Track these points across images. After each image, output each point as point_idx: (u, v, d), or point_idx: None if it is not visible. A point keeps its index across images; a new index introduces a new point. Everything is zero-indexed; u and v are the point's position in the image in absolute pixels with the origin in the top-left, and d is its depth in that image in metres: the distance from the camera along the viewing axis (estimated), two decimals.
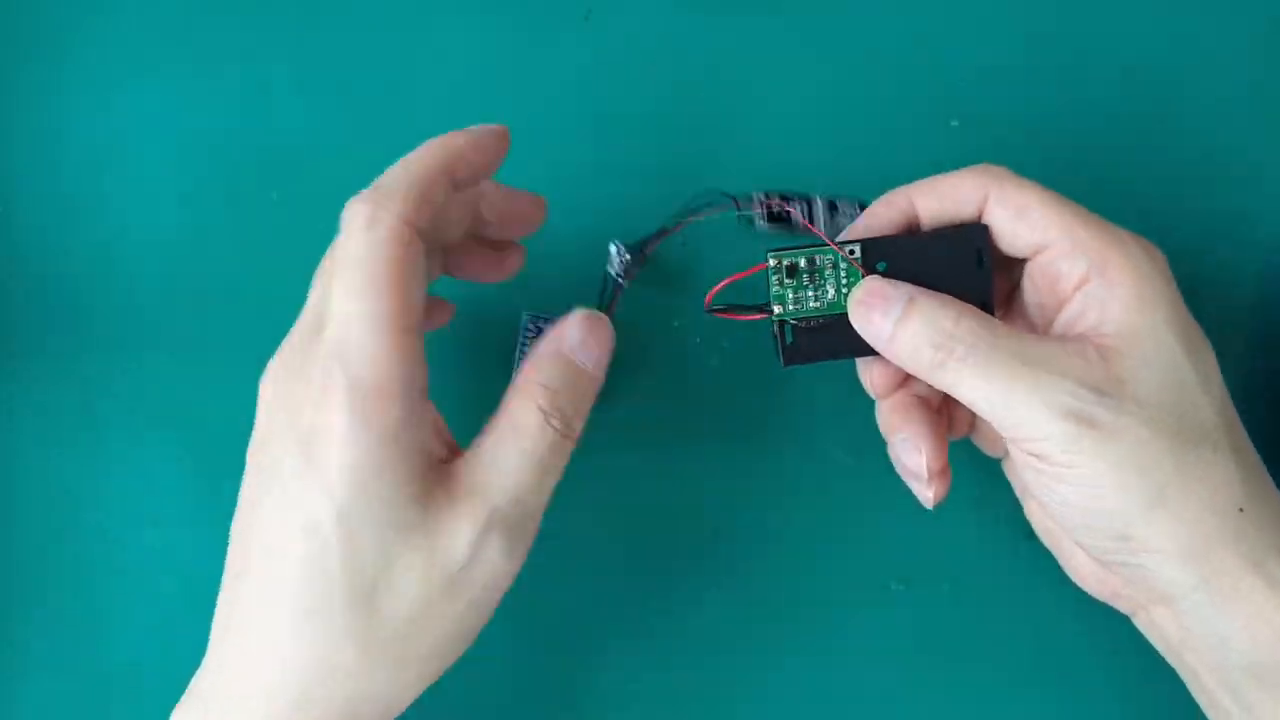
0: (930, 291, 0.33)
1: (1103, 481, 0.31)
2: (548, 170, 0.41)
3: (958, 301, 0.32)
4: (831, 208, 0.40)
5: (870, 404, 0.37)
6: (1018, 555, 0.40)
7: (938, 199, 0.34)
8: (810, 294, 0.34)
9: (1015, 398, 0.31)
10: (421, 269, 0.31)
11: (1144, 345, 0.31)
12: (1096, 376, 0.31)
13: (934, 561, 0.40)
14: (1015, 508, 0.39)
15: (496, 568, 0.31)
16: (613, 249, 0.39)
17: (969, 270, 0.34)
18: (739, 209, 0.40)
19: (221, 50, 0.42)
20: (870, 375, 0.36)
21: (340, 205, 0.41)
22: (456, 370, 0.41)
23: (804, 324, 0.34)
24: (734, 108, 0.42)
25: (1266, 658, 0.31)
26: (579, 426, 0.33)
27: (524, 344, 0.39)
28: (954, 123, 0.42)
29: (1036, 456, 0.32)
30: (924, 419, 0.35)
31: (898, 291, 0.33)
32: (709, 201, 0.39)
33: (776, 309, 0.34)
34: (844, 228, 0.35)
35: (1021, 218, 0.33)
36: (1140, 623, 0.35)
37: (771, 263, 0.34)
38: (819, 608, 0.41)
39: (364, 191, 0.31)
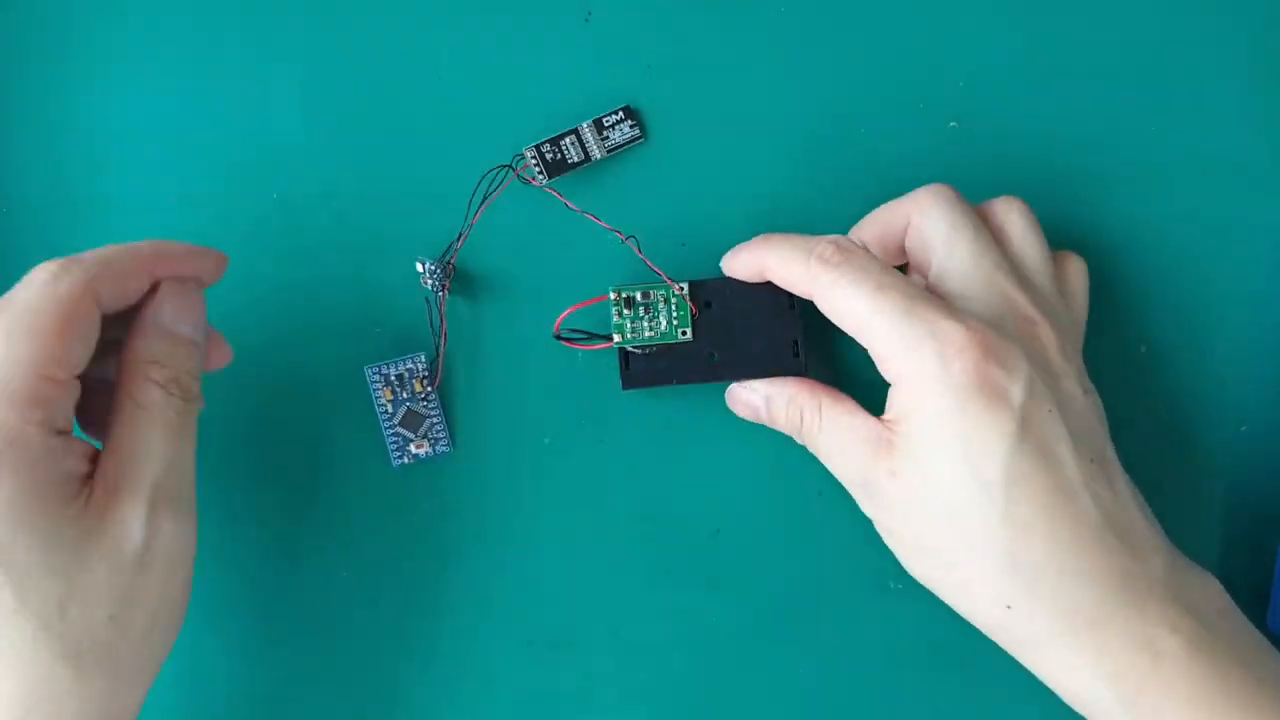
0: (774, 389, 0.39)
1: (902, 560, 0.37)
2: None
3: (793, 396, 0.38)
4: (598, 126, 0.41)
5: (870, 404, 0.37)
6: None
7: (776, 276, 0.38)
8: (645, 324, 0.39)
9: (835, 469, 0.38)
10: (89, 329, 0.32)
11: (915, 446, 0.34)
12: (878, 470, 0.35)
13: None
14: None
15: (173, 538, 0.33)
16: (418, 266, 0.40)
17: (783, 312, 0.39)
18: (518, 175, 0.40)
19: (222, 50, 0.42)
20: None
21: (340, 206, 0.42)
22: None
23: (641, 351, 0.39)
24: (733, 108, 0.42)
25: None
26: (197, 389, 0.35)
27: (376, 394, 0.40)
28: (953, 123, 0.42)
29: None
30: None
31: (754, 397, 0.39)
32: (491, 182, 0.40)
33: (616, 338, 0.39)
34: (615, 141, 0.40)
35: (839, 321, 0.36)
36: None
37: (612, 295, 0.39)
38: (819, 608, 0.41)
39: (60, 259, 0.33)
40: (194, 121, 0.42)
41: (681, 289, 0.39)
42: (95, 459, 0.33)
